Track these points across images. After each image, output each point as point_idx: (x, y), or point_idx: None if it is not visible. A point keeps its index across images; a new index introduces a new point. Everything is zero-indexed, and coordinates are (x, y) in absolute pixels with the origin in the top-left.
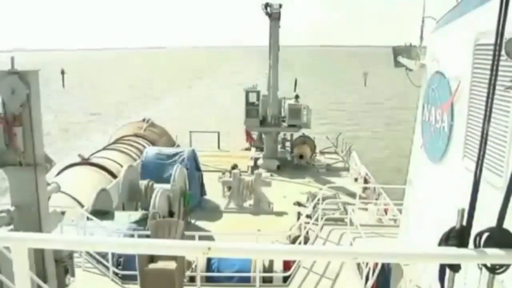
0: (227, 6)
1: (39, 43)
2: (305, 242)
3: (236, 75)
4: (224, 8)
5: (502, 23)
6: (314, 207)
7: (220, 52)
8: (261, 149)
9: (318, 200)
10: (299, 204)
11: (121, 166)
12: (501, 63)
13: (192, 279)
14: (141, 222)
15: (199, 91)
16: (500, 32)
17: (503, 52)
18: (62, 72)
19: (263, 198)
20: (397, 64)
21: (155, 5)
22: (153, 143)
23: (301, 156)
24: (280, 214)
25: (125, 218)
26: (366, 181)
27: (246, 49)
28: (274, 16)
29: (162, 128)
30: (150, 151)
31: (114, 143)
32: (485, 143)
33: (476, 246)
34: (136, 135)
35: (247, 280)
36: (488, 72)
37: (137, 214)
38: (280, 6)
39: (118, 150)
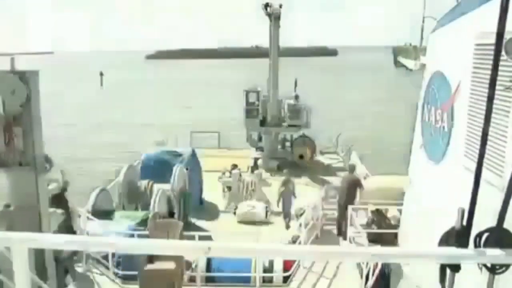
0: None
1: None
2: (305, 242)
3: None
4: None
5: (503, 23)
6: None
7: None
8: (261, 149)
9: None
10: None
11: None
12: (501, 63)
13: (192, 279)
14: (141, 223)
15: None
16: (500, 32)
17: (503, 52)
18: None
19: (263, 198)
20: (397, 64)
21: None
22: None
23: (301, 156)
24: (280, 214)
25: (125, 218)
26: None
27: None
28: (274, 16)
29: None
30: (150, 151)
31: None
32: (485, 143)
33: (476, 246)
34: None
35: (247, 280)
36: (488, 72)
37: (137, 214)
38: (281, 6)
39: None
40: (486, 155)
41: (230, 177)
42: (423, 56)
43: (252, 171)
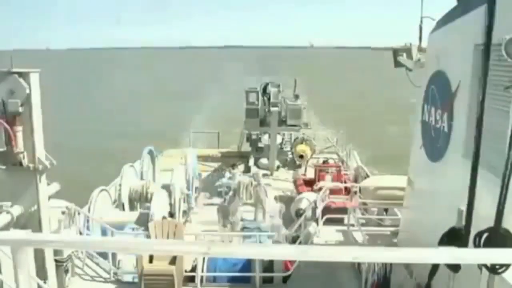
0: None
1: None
2: (305, 242)
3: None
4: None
5: (491, 23)
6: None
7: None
8: (261, 149)
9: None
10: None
11: None
12: (501, 63)
13: (192, 279)
14: (141, 223)
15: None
16: (490, 33)
17: (503, 52)
18: None
19: (263, 198)
20: (397, 64)
21: None
22: None
23: (301, 156)
24: (279, 214)
25: (125, 218)
26: None
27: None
28: None
29: None
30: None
31: None
32: (479, 143)
33: (476, 246)
34: None
35: (247, 280)
36: (488, 72)
37: (136, 214)
38: None
39: None
40: (486, 156)
41: (229, 177)
42: (423, 56)
43: (252, 171)
